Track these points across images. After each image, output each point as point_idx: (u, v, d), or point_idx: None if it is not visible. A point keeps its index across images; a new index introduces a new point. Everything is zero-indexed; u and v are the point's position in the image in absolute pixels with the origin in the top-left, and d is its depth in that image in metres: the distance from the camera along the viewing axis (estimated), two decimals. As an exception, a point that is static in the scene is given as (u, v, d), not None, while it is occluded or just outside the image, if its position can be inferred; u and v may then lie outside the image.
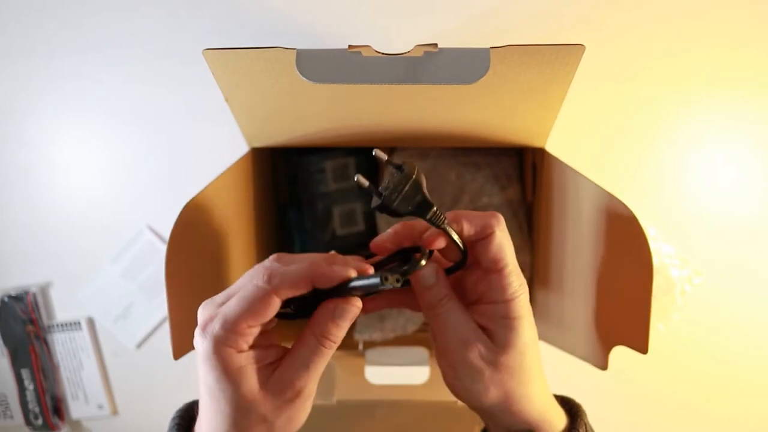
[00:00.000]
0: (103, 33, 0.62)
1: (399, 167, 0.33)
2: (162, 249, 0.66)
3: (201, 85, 0.60)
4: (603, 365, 0.47)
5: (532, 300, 0.59)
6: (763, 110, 0.62)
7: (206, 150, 0.65)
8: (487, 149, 0.62)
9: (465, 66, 0.36)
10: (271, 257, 0.34)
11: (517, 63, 0.37)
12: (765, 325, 0.66)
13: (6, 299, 0.68)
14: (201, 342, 0.31)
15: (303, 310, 0.33)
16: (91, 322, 0.69)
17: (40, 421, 0.70)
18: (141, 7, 0.62)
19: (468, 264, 0.36)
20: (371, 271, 0.33)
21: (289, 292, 0.31)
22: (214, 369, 0.31)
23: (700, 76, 0.61)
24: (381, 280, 0.30)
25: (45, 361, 0.69)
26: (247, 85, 0.42)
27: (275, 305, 0.31)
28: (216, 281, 0.49)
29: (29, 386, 0.69)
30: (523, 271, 0.59)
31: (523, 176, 0.62)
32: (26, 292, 0.68)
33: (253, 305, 0.30)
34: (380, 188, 0.33)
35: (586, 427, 0.38)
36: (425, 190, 0.33)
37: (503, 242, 0.34)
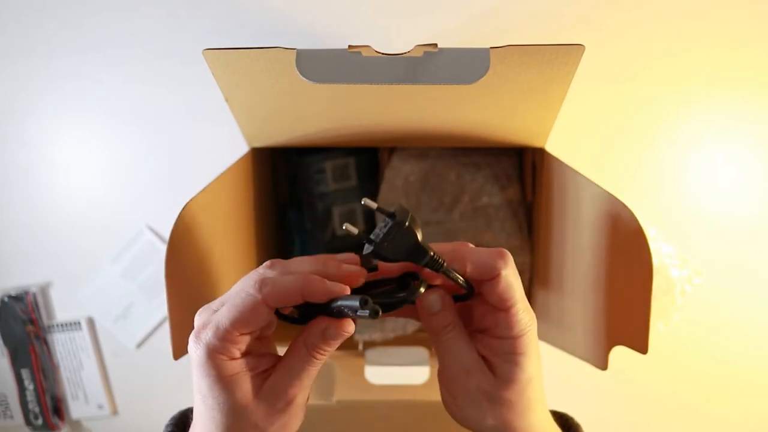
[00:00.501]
0: (103, 33, 0.62)
1: (391, 215, 0.32)
2: (162, 249, 0.66)
3: (201, 85, 0.60)
4: (603, 365, 0.47)
5: (532, 300, 0.59)
6: (763, 110, 0.62)
7: (206, 150, 0.65)
8: (487, 149, 0.62)
9: (465, 66, 0.36)
10: (266, 264, 0.33)
11: (517, 63, 0.37)
12: (765, 325, 0.66)
13: (6, 299, 0.68)
14: (195, 349, 0.31)
15: (305, 317, 0.33)
16: (91, 322, 0.69)
17: (40, 421, 0.70)
18: (141, 7, 0.62)
19: (476, 294, 0.35)
20: (361, 281, 0.33)
21: (279, 303, 0.31)
22: (207, 376, 0.31)
23: (700, 76, 0.61)
24: (360, 303, 0.29)
25: (45, 361, 0.69)
26: (247, 85, 0.42)
27: (265, 314, 0.31)
28: (216, 281, 0.49)
29: (29, 386, 0.69)
30: (523, 271, 0.60)
31: (523, 176, 0.62)
32: (26, 292, 0.68)
33: (243, 314, 0.30)
34: (372, 235, 0.32)
35: None
36: (419, 237, 0.32)
37: (510, 282, 0.33)
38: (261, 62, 0.38)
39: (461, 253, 0.33)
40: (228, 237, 0.51)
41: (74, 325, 0.69)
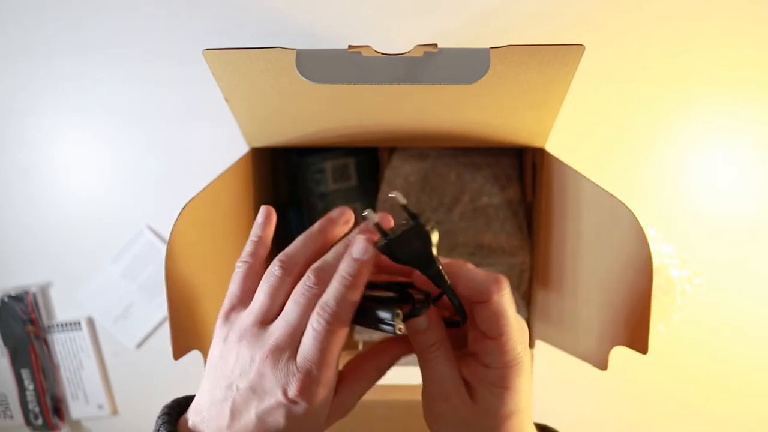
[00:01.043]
0: (103, 33, 0.62)
1: (414, 216, 0.32)
2: (162, 249, 0.66)
3: (201, 85, 0.60)
4: (603, 365, 0.47)
5: (532, 300, 0.59)
6: (763, 110, 0.62)
7: (206, 150, 0.65)
8: (487, 149, 0.62)
9: (465, 66, 0.36)
10: (308, 279, 0.33)
11: (517, 63, 0.37)
12: (765, 325, 0.66)
13: (6, 299, 0.68)
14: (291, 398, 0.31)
15: (356, 317, 0.33)
16: (91, 322, 0.69)
17: (40, 421, 0.70)
18: (141, 7, 0.62)
19: (468, 319, 0.34)
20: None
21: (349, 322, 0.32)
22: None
23: (700, 76, 0.61)
24: (392, 316, 0.31)
25: (45, 361, 0.69)
26: (247, 85, 0.42)
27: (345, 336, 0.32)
28: (216, 282, 0.49)
29: (29, 386, 0.69)
30: (523, 271, 0.60)
31: (523, 176, 0.62)
32: (26, 292, 0.68)
33: (334, 349, 0.31)
34: (389, 230, 0.32)
35: None
36: (433, 248, 0.32)
37: (502, 310, 0.32)
38: (261, 62, 0.38)
39: (456, 270, 0.33)
40: (228, 237, 0.51)
41: (74, 325, 0.69)
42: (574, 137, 0.61)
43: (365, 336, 0.58)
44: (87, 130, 0.66)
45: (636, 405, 0.68)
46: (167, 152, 0.66)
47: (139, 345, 0.69)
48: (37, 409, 0.70)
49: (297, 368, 0.31)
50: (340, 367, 0.34)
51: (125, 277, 0.68)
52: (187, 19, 0.62)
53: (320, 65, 0.37)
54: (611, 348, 0.46)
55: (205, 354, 0.45)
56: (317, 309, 0.31)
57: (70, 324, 0.69)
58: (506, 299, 0.32)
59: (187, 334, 0.43)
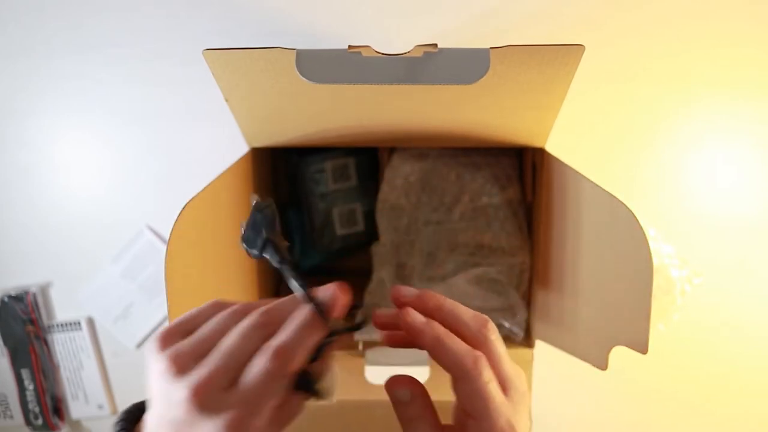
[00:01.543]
0: (103, 33, 0.62)
1: (257, 204, 0.32)
2: (162, 249, 0.66)
3: (201, 85, 0.60)
4: (603, 365, 0.47)
5: (532, 300, 0.59)
6: (763, 110, 0.62)
7: (206, 150, 0.65)
8: (487, 149, 0.62)
9: (465, 66, 0.36)
10: (254, 318, 0.29)
11: (517, 63, 0.37)
12: (765, 325, 0.66)
13: (6, 299, 0.68)
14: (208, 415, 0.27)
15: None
16: (91, 322, 0.69)
17: (40, 421, 0.70)
18: (141, 7, 0.62)
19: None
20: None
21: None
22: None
23: (700, 76, 0.61)
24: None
25: (45, 361, 0.69)
26: (247, 85, 0.42)
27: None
28: (216, 282, 0.49)
29: (29, 386, 0.69)
30: (523, 271, 0.60)
31: (523, 176, 0.62)
32: (26, 292, 0.68)
33: (269, 392, 0.28)
34: (242, 222, 0.32)
35: None
36: (266, 228, 0.31)
37: (481, 392, 0.30)
38: (261, 62, 0.38)
39: (440, 340, 0.31)
40: (228, 237, 0.51)
41: (74, 325, 0.69)
42: (574, 137, 0.61)
43: (365, 336, 0.58)
44: (87, 130, 0.66)
45: (636, 405, 0.68)
46: (167, 152, 0.66)
47: (139, 345, 0.69)
48: (37, 409, 0.70)
49: (228, 403, 0.27)
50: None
51: (125, 277, 0.68)
52: (187, 19, 0.62)
53: (320, 65, 0.37)
54: (611, 348, 0.46)
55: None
56: (268, 348, 0.28)
57: (70, 324, 0.69)
58: (487, 375, 0.30)
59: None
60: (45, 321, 0.69)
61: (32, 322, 0.68)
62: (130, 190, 0.67)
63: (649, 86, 0.62)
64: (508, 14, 0.60)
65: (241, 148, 0.53)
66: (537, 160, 0.57)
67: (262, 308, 0.30)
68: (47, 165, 0.67)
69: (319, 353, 0.30)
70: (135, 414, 0.34)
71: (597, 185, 0.45)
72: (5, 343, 0.69)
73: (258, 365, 0.28)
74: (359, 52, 0.36)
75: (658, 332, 0.64)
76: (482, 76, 0.36)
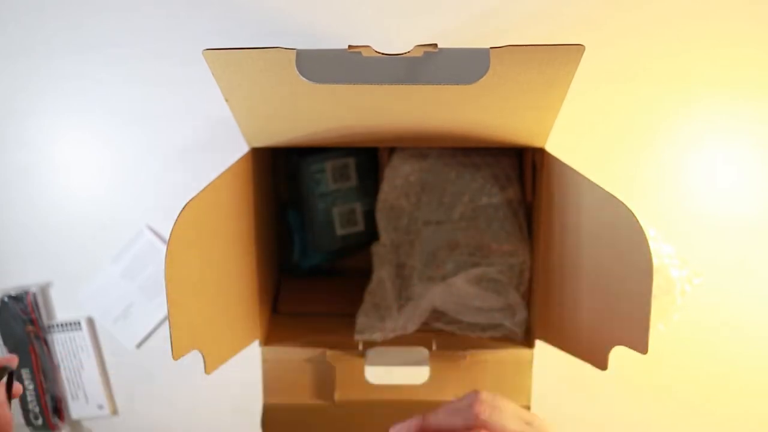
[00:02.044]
0: (103, 33, 0.62)
1: None
2: (162, 249, 0.66)
3: (201, 85, 0.60)
4: (603, 365, 0.47)
5: (532, 300, 0.59)
6: (763, 110, 0.62)
7: (206, 150, 0.65)
8: (487, 149, 0.62)
9: (465, 66, 0.36)
10: None
11: (517, 63, 0.37)
12: (765, 325, 0.66)
13: (6, 299, 0.68)
14: None
15: None
16: (91, 322, 0.69)
17: (40, 421, 0.70)
18: (141, 7, 0.62)
19: None
20: None
21: None
22: None
23: (700, 76, 0.61)
24: None
25: (45, 361, 0.69)
26: (247, 85, 0.42)
27: None
28: (216, 281, 0.49)
29: (29, 386, 0.69)
30: (523, 271, 0.60)
31: (522, 176, 0.62)
32: (26, 292, 0.68)
33: None
34: None
35: None
36: None
37: None
38: (261, 62, 0.38)
39: None
40: (228, 237, 0.51)
41: (74, 325, 0.69)
42: (574, 137, 0.61)
43: (365, 336, 0.58)
44: (87, 130, 0.66)
45: (636, 405, 0.68)
46: (167, 152, 0.66)
47: (139, 345, 0.69)
48: (37, 409, 0.70)
49: None
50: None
51: (125, 277, 0.68)
52: (187, 19, 0.62)
53: (320, 65, 0.37)
54: (611, 348, 0.46)
55: (205, 354, 0.46)
56: None
57: (70, 324, 0.69)
58: None
59: (187, 334, 0.43)
60: (45, 321, 0.69)
61: (32, 322, 0.68)
62: (130, 190, 0.67)
63: (649, 86, 0.62)
64: (508, 14, 0.60)
65: (241, 148, 0.53)
66: (537, 160, 0.57)
67: None
68: (47, 165, 0.67)
69: None
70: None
71: (597, 185, 0.45)
72: (5, 343, 0.69)
73: None
74: (359, 52, 0.36)
75: (658, 332, 0.64)
76: (482, 76, 0.36)
